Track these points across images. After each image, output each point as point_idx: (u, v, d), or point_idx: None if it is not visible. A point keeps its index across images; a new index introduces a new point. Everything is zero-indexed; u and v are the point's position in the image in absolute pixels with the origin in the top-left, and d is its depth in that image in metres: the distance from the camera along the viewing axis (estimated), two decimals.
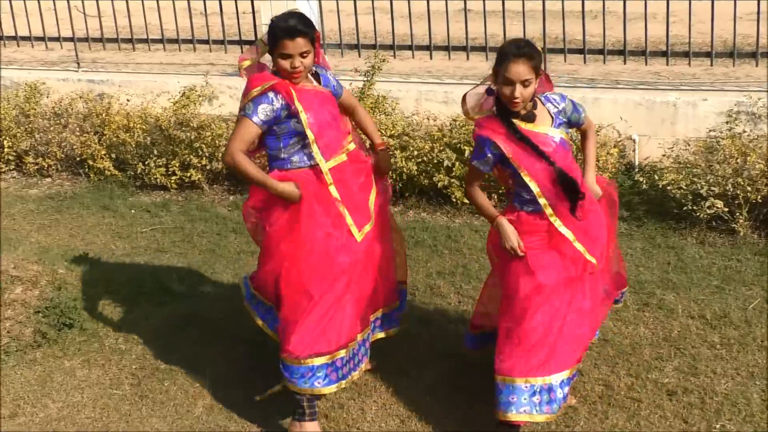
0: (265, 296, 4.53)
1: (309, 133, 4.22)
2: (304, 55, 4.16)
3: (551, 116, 4.10)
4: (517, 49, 3.91)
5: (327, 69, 4.53)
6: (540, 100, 4.12)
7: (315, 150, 4.25)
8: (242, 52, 8.83)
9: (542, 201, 4.05)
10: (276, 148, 4.29)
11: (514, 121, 4.03)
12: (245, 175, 4.25)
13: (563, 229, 4.06)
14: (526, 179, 4.03)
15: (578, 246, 4.07)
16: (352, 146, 4.48)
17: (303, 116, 4.19)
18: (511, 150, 4.02)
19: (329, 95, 4.41)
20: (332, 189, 4.29)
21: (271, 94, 4.16)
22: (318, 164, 4.26)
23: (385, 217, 4.61)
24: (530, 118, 4.06)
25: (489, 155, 4.06)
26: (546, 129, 4.07)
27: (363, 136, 4.81)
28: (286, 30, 4.13)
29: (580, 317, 4.16)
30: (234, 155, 4.17)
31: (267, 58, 4.40)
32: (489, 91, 4.10)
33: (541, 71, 4.06)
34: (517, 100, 3.94)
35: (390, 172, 4.77)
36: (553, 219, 4.07)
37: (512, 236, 4.07)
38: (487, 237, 4.42)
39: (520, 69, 3.89)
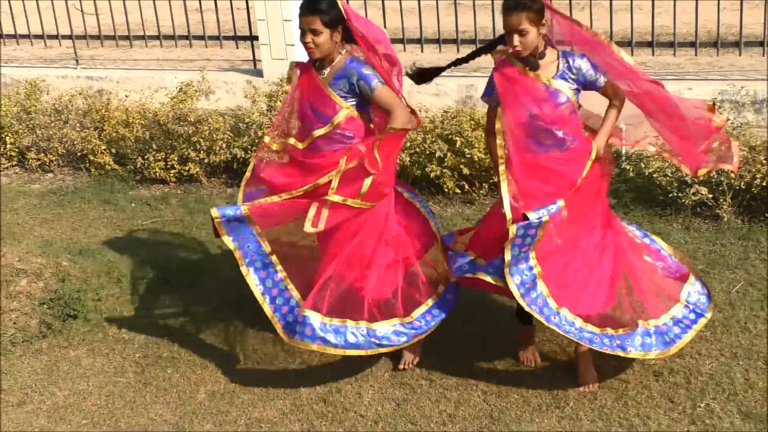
0: None
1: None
2: (315, 33, 4.37)
3: (558, 69, 4.26)
4: (511, 1, 4.12)
5: (364, 63, 4.52)
6: (558, 52, 4.29)
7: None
8: (237, 47, 8.91)
9: (499, 140, 4.34)
10: None
11: (518, 65, 4.27)
12: None
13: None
14: (499, 113, 4.34)
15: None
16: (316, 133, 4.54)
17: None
18: (501, 87, 4.32)
19: (318, 86, 4.51)
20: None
21: None
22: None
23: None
24: (532, 64, 4.26)
25: (491, 91, 4.44)
26: (546, 79, 4.25)
27: None
28: (301, 5, 4.42)
29: None
30: None
31: None
32: (500, 39, 4.41)
33: (546, 19, 4.18)
34: (517, 48, 4.16)
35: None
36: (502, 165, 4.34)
37: None
38: None
39: (513, 20, 4.12)
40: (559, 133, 4.28)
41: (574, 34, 4.33)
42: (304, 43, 4.41)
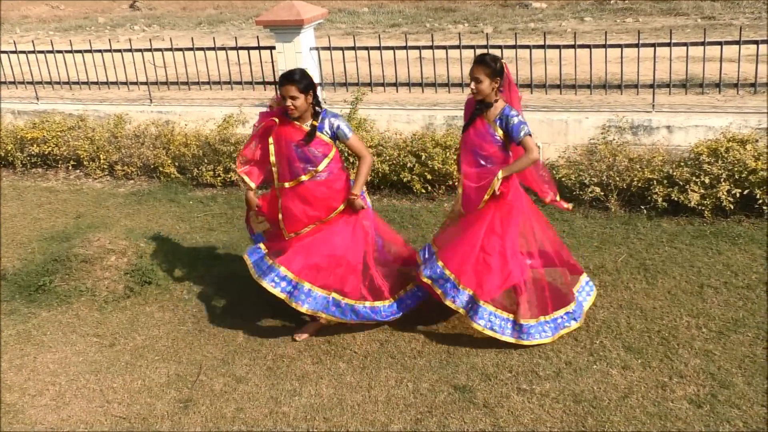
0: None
1: (272, 159, 4.30)
2: (293, 98, 4.13)
3: (498, 117, 4.11)
4: (479, 57, 4.07)
5: (335, 116, 4.28)
6: (502, 105, 4.09)
7: (274, 171, 4.33)
8: (265, 89, 8.81)
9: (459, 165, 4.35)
10: None
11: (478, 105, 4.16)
12: None
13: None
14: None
15: None
16: (306, 177, 4.25)
17: (270, 147, 4.28)
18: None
19: (301, 131, 4.22)
20: (279, 203, 4.39)
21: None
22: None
23: (346, 227, 4.38)
24: (482, 109, 4.13)
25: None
26: (489, 122, 4.13)
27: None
28: (281, 77, 4.19)
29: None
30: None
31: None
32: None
33: (497, 80, 4.02)
34: (473, 91, 4.08)
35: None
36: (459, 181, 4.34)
37: None
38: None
39: (474, 69, 4.05)
40: (484, 159, 4.20)
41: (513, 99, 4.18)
42: (285, 107, 4.15)
